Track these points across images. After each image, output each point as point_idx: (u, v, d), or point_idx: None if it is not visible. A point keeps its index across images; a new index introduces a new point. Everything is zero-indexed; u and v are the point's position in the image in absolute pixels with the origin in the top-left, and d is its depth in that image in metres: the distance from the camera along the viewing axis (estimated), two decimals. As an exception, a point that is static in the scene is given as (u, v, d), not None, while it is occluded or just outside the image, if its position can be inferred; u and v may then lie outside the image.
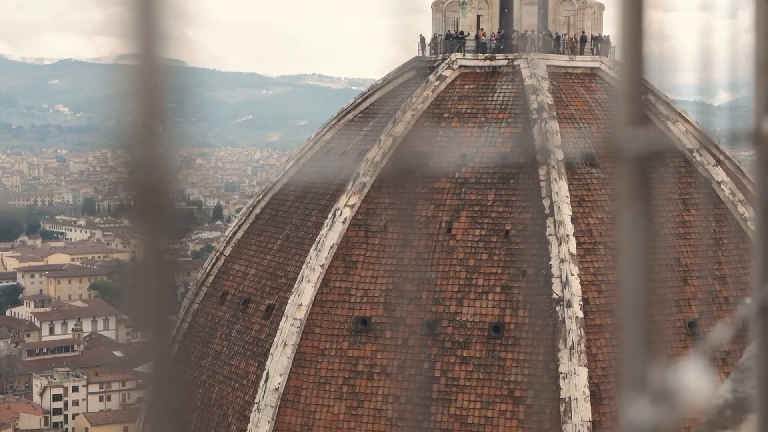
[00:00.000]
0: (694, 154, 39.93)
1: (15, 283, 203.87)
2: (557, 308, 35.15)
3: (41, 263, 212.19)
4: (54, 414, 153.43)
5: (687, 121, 40.35)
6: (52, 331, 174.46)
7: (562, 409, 34.04)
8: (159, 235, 1.45)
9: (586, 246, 36.60)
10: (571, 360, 34.32)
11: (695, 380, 1.94)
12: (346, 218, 38.17)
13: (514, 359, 35.10)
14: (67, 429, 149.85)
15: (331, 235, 37.99)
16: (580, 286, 35.44)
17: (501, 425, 34.23)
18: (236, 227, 42.73)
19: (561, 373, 34.34)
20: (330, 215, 38.46)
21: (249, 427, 35.94)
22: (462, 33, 43.59)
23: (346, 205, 38.41)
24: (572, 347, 34.43)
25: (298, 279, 37.75)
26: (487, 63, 41.89)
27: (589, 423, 33.90)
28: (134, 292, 1.54)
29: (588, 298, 35.52)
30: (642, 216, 1.78)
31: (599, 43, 44.10)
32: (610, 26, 41.32)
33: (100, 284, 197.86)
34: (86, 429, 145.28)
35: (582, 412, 33.97)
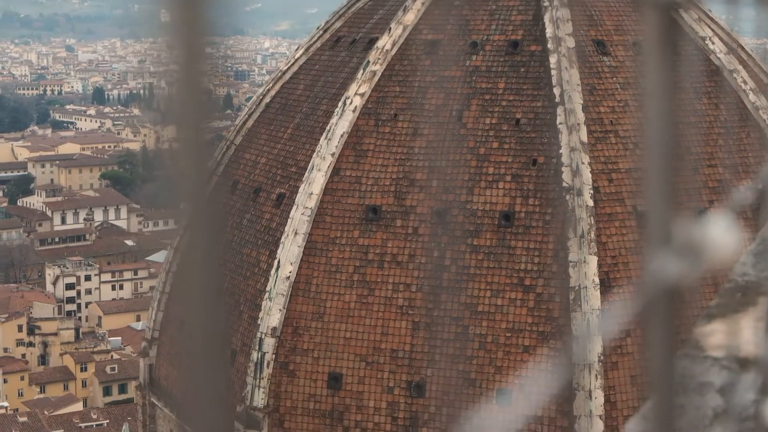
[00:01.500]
0: (706, 42, 39.61)
1: (26, 173, 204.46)
2: (567, 197, 35.18)
3: (52, 153, 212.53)
4: (67, 303, 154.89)
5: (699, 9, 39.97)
6: (63, 221, 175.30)
7: (571, 297, 34.24)
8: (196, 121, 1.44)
9: (596, 135, 36.51)
10: (581, 249, 34.45)
11: (721, 235, 1.93)
12: (356, 107, 38.07)
13: (524, 248, 35.23)
14: (80, 317, 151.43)
15: (342, 123, 37.92)
16: (590, 175, 35.43)
17: (511, 313, 34.48)
18: (246, 116, 42.66)
19: (571, 261, 34.49)
20: (340, 104, 38.36)
21: (260, 315, 36.27)
22: None
23: (356, 93, 38.28)
24: (582, 236, 34.53)
25: (308, 168, 37.79)
26: (499, -51, 41.42)
27: (598, 311, 34.12)
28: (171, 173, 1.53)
29: (598, 186, 35.53)
30: (667, 64, 1.75)
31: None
32: None
33: (110, 174, 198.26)
34: (99, 317, 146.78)
35: (591, 300, 34.18)
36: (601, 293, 34.34)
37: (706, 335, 3.53)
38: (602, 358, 33.87)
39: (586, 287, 34.22)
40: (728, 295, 3.96)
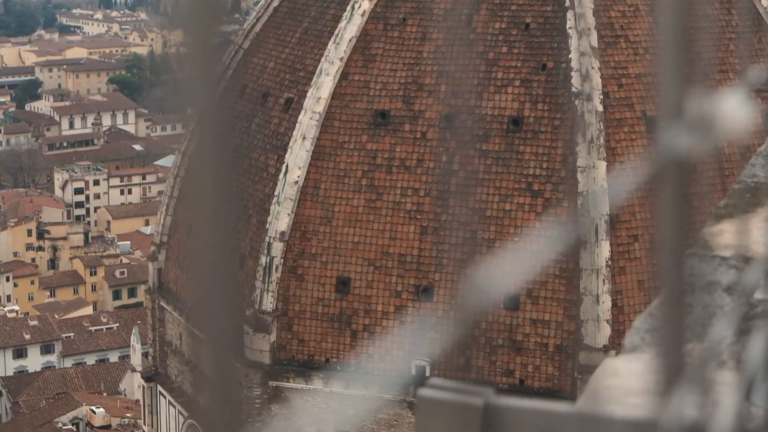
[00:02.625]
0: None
1: (33, 78, 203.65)
2: (576, 102, 35.06)
3: (59, 57, 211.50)
4: (76, 207, 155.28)
5: None
6: (71, 125, 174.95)
7: (579, 202, 34.27)
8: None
9: (607, 39, 36.27)
10: (589, 154, 34.41)
11: (734, 110, 1.93)
12: (365, 11, 37.80)
13: (533, 153, 35.19)
14: (89, 222, 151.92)
15: (350, 27, 37.69)
16: (600, 80, 35.27)
17: (519, 218, 34.53)
18: (254, 20, 42.38)
19: (579, 166, 34.47)
20: (349, 8, 38.08)
21: (269, 219, 36.37)
22: None
23: (364, -3, 37.99)
24: (591, 141, 34.47)
25: (316, 72, 37.64)
26: None
27: (606, 216, 34.17)
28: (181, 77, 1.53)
29: (608, 91, 35.39)
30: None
31: None
32: None
33: (118, 78, 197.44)
34: (108, 222, 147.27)
35: (600, 205, 34.23)
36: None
37: (714, 235, 3.54)
38: (609, 263, 34.00)
39: (594, 192, 34.24)
40: (737, 195, 3.96)
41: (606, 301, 33.83)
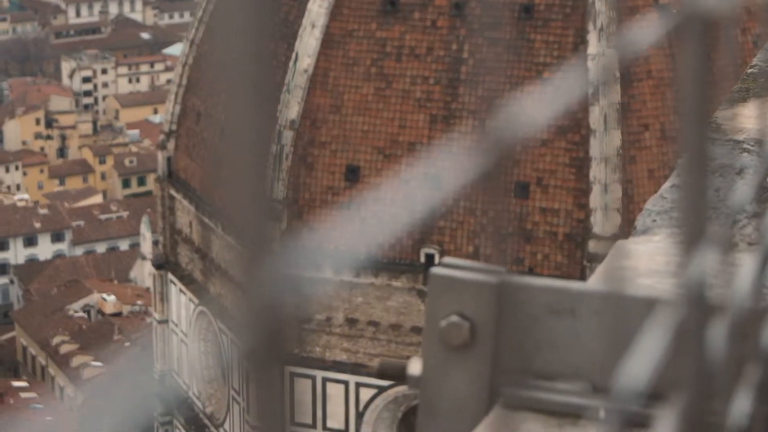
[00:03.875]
0: None
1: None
2: (588, -11, 34.71)
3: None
4: (84, 96, 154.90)
5: None
6: (78, 14, 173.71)
7: (590, 91, 34.10)
8: None
9: (619, -75, 35.80)
10: (600, 42, 34.15)
11: None
12: None
13: (544, 41, 34.94)
14: (97, 111, 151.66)
15: None
16: (611, -33, 34.88)
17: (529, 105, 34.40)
18: None
19: (590, 54, 34.24)
20: None
21: (279, 108, 36.27)
22: None
23: None
24: (602, 29, 34.19)
25: (325, -41, 37.25)
26: None
27: (617, 105, 34.04)
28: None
29: (619, -22, 35.00)
30: None
31: None
32: None
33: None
34: (116, 111, 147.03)
35: (611, 94, 34.07)
36: (621, 87, 34.20)
37: (728, 119, 3.53)
38: (620, 151, 33.95)
39: (605, 81, 34.04)
40: (751, 80, 3.94)
41: (616, 190, 33.85)
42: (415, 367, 1.98)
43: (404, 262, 35.42)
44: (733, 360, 1.49)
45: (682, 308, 1.40)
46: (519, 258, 34.15)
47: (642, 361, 1.38)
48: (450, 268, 1.97)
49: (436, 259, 34.13)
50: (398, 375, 2.03)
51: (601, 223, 33.74)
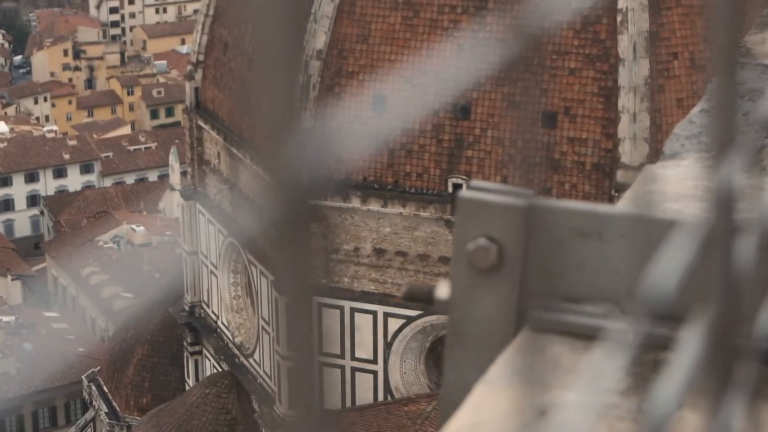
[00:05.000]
0: None
1: None
2: None
3: None
4: (111, 26, 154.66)
5: None
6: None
7: (618, 19, 33.84)
8: None
9: None
10: (629, -31, 33.82)
11: None
12: None
13: (572, -31, 34.64)
14: (125, 41, 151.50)
15: None
16: None
17: (557, 35, 34.16)
18: None
19: (619, -18, 33.92)
20: None
21: (305, 37, 36.12)
22: None
23: None
24: (631, -44, 33.86)
25: None
26: None
27: (646, 34, 33.77)
28: None
29: None
30: None
31: None
32: None
33: None
34: (144, 41, 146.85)
35: (639, 22, 33.77)
36: (649, 15, 33.90)
37: (757, 43, 3.50)
38: (648, 80, 33.74)
39: (633, 9, 33.77)
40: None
41: (644, 119, 33.68)
42: (442, 290, 1.98)
43: (432, 192, 35.42)
44: (760, 278, 1.49)
45: (709, 223, 1.39)
46: (546, 188, 34.10)
47: (665, 279, 1.38)
48: (478, 191, 1.96)
49: (464, 189, 34.14)
50: (425, 299, 2.04)
51: (629, 152, 33.61)
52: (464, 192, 2.01)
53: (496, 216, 1.91)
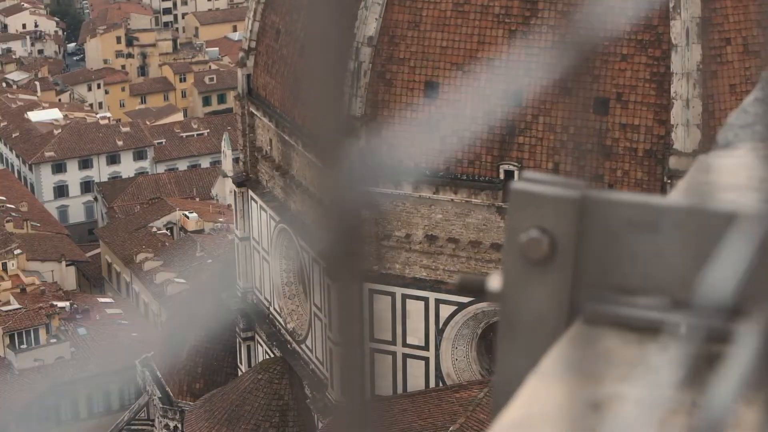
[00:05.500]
0: None
1: None
2: None
3: None
4: (164, 14, 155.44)
5: None
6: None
7: (671, 5, 33.59)
8: None
9: None
10: (683, -46, 33.56)
11: None
12: None
13: (625, -46, 34.39)
14: (177, 28, 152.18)
15: None
16: None
17: (609, 21, 33.95)
18: None
19: (672, -33, 33.65)
20: None
21: (356, 24, 36.12)
22: None
23: None
24: (685, -59, 33.58)
25: None
26: None
27: (698, 19, 33.50)
28: None
29: None
30: None
31: None
32: None
33: None
34: (196, 28, 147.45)
35: (691, 7, 33.50)
36: (702, 1, 33.62)
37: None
38: (701, 66, 33.47)
39: (687, -6, 33.49)
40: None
41: (696, 106, 33.42)
42: (494, 281, 1.98)
43: (484, 179, 35.35)
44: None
45: (766, 219, 1.38)
46: (598, 174, 33.93)
47: (724, 273, 1.37)
48: (530, 182, 1.96)
49: (516, 176, 34.02)
50: (478, 290, 2.04)
51: (682, 139, 33.38)
52: (516, 183, 2.00)
53: (549, 207, 1.91)
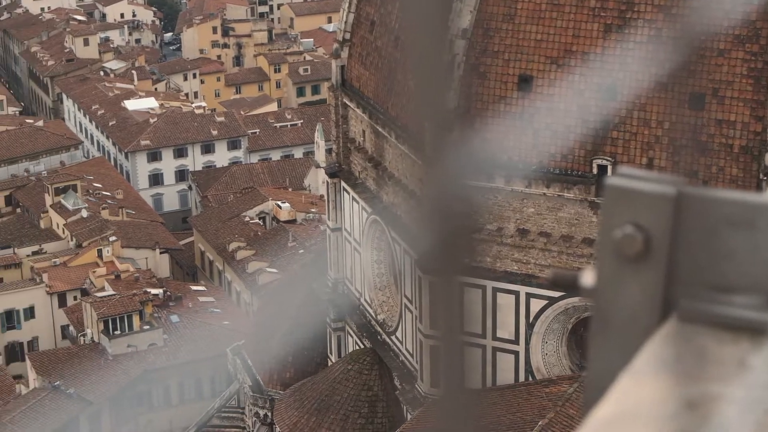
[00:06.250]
0: None
1: None
2: None
3: None
4: (259, 4, 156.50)
5: None
6: None
7: (772, -2, 33.08)
8: None
9: None
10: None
11: None
12: None
13: (724, -53, 33.92)
14: (272, 19, 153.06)
15: None
16: None
17: (706, 16, 33.53)
18: None
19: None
20: None
21: (451, 16, 36.04)
22: None
23: None
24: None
25: None
26: None
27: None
28: None
29: None
30: None
31: None
32: None
33: None
34: (291, 19, 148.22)
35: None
36: (803, -5, 33.08)
37: None
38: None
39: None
40: None
41: (796, 99, 32.91)
42: (588, 277, 1.97)
43: (576, 173, 35.12)
44: None
45: None
46: (693, 170, 33.55)
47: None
48: (626, 177, 1.94)
49: (609, 171, 33.75)
50: (571, 285, 2.03)
51: (780, 134, 32.88)
52: (612, 178, 1.99)
53: (644, 204, 1.89)
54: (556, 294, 35.16)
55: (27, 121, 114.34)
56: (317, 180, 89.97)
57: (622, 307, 1.93)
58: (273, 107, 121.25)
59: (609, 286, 1.93)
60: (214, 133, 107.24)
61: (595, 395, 1.82)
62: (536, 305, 36.21)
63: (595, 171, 34.68)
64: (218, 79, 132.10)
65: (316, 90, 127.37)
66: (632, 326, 1.93)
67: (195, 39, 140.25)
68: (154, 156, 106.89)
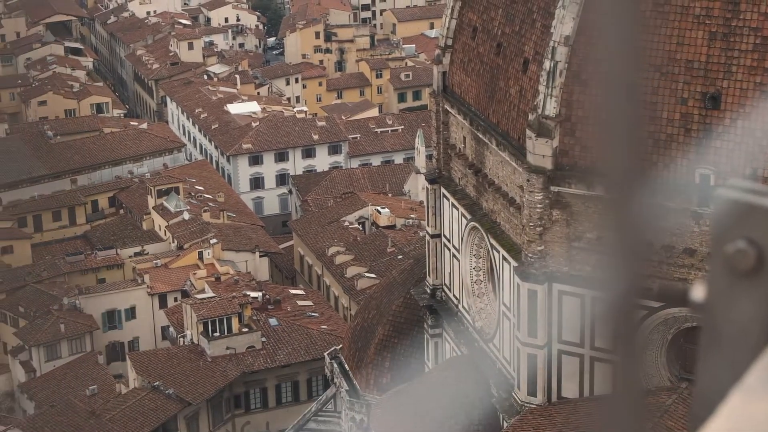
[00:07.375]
0: None
1: None
2: None
3: None
4: (362, 10, 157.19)
5: None
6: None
7: None
8: None
9: None
10: None
11: None
12: None
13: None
14: (375, 25, 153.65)
15: None
16: None
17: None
18: None
19: None
20: None
21: (554, 23, 35.88)
22: None
23: None
24: None
25: None
26: None
27: None
28: None
29: None
30: None
31: None
32: None
33: None
34: (393, 25, 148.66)
35: None
36: None
37: None
38: None
39: None
40: None
41: None
42: (699, 291, 1.94)
43: (678, 183, 34.71)
44: None
45: None
46: (800, 181, 32.97)
47: None
48: (738, 190, 1.91)
49: (711, 180, 33.30)
50: (680, 299, 2.01)
51: None
52: (723, 191, 1.96)
53: (757, 218, 1.86)
54: (656, 304, 34.73)
55: (131, 123, 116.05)
56: (417, 186, 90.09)
57: (733, 323, 1.90)
58: (374, 112, 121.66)
59: (720, 300, 1.91)
60: (315, 137, 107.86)
61: (704, 411, 1.79)
62: (636, 315, 35.82)
63: (697, 180, 34.26)
64: (320, 84, 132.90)
65: (417, 96, 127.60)
66: (743, 342, 1.89)
67: (297, 44, 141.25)
68: (255, 160, 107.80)
